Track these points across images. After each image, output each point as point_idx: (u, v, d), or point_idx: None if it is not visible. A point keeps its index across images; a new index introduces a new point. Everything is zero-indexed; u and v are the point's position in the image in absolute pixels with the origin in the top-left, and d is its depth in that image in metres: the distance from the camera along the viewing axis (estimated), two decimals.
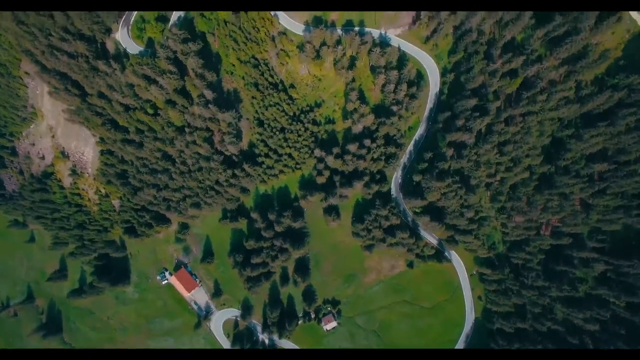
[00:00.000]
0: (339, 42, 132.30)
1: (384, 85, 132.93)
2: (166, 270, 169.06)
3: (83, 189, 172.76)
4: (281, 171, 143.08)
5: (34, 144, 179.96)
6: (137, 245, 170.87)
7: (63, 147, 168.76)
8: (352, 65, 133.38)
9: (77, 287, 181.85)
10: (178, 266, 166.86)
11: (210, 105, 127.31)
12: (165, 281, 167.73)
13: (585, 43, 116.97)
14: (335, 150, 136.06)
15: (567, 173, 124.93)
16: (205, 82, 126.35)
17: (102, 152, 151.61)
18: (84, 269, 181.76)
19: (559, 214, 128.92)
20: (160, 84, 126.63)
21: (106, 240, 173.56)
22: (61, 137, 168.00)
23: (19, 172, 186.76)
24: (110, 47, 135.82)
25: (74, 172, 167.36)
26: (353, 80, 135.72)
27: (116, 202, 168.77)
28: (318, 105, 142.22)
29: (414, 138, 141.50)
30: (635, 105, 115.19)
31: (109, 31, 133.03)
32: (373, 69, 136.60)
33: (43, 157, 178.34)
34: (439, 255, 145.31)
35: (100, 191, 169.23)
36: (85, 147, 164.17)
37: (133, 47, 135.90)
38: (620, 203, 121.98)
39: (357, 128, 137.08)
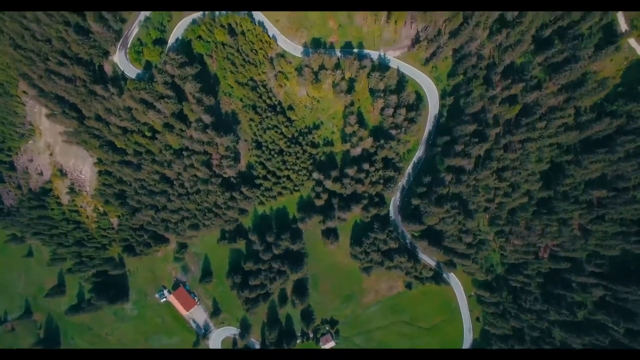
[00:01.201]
0: (337, 65, 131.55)
1: (382, 109, 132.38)
2: (165, 288, 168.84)
3: (81, 207, 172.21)
4: (279, 193, 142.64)
5: (32, 160, 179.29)
6: (136, 262, 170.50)
7: (61, 165, 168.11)
8: (350, 89, 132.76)
9: (75, 303, 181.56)
10: (177, 285, 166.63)
11: (208, 130, 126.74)
12: (164, 299, 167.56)
13: (584, 71, 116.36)
14: (334, 173, 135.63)
15: (566, 199, 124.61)
16: (203, 107, 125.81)
17: (100, 173, 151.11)
18: (82, 284, 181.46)
19: (557, 239, 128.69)
20: (157, 108, 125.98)
21: (105, 257, 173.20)
22: (59, 155, 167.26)
23: (17, 186, 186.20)
24: (108, 69, 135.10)
25: (72, 190, 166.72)
26: (352, 104, 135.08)
27: (114, 220, 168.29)
28: (316, 127, 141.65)
29: (413, 160, 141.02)
30: (634, 132, 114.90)
31: (106, 54, 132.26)
32: (372, 91, 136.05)
33: (41, 173, 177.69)
34: (437, 277, 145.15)
35: (98, 209, 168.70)
36: (83, 166, 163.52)
37: (131, 70, 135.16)
38: (619, 229, 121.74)
39: (356, 151, 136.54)
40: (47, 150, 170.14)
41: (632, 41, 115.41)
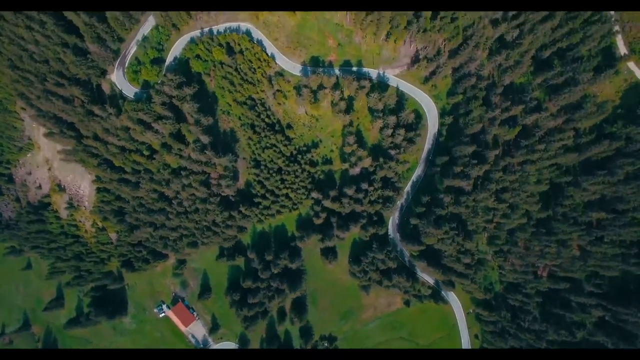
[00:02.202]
0: (336, 85, 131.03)
1: (381, 129, 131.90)
2: (164, 303, 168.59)
3: (80, 221, 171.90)
4: (278, 211, 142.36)
5: (30, 173, 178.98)
6: (135, 277, 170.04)
7: (59, 180, 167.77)
8: (349, 108, 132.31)
9: (74, 316, 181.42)
10: (175, 300, 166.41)
11: (206, 151, 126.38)
12: (163, 314, 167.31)
13: (584, 93, 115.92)
14: (332, 192, 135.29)
15: (565, 220, 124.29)
16: (201, 128, 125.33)
17: (98, 190, 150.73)
18: (81, 297, 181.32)
19: (556, 260, 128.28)
20: (155, 129, 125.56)
21: (103, 271, 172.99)
22: (57, 170, 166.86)
23: (16, 199, 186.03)
24: (105, 88, 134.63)
25: (70, 205, 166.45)
26: (351, 123, 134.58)
27: (113, 235, 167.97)
28: (315, 145, 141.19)
29: (412, 179, 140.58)
30: (633, 155, 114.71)
31: (104, 73, 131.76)
32: (371, 110, 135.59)
33: (40, 187, 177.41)
34: (435, 295, 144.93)
35: (97, 224, 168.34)
36: (81, 182, 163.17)
37: (128, 89, 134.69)
38: (619, 251, 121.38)
39: (355, 171, 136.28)
40: (46, 165, 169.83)
41: (631, 64, 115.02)
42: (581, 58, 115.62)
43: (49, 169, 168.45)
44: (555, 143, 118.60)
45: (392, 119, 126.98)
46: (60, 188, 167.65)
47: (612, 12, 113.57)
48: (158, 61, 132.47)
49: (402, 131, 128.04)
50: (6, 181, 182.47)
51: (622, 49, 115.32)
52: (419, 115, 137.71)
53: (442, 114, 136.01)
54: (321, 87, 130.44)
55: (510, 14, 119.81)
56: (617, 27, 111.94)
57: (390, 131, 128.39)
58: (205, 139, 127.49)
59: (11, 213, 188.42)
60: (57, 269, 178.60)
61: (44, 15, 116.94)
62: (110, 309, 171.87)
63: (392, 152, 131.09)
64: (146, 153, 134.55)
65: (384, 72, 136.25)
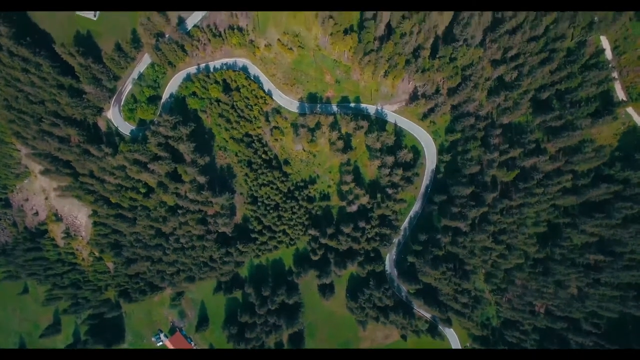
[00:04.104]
0: (334, 124, 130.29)
1: (379, 167, 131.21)
2: (161, 331, 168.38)
3: (77, 249, 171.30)
4: (275, 247, 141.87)
5: (27, 199, 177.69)
6: (132, 305, 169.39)
7: (56, 210, 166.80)
8: (347, 147, 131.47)
9: (71, 342, 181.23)
10: (173, 330, 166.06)
11: (203, 191, 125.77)
12: (160, 343, 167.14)
13: (582, 138, 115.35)
14: (330, 230, 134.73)
15: (563, 262, 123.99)
16: (197, 168, 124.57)
17: (95, 224, 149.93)
18: (78, 324, 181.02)
19: (553, 300, 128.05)
20: (152, 169, 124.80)
21: (100, 299, 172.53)
22: (54, 200, 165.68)
23: (12, 224, 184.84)
24: (102, 125, 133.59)
25: (67, 235, 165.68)
26: (348, 162, 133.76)
27: (110, 265, 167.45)
28: (312, 181, 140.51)
29: (409, 215, 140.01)
30: (631, 199, 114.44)
31: (100, 111, 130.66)
32: (369, 147, 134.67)
33: (37, 213, 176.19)
34: (432, 330, 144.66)
35: (94, 253, 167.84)
36: (78, 212, 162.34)
37: (125, 126, 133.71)
38: (617, 293, 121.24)
39: (352, 208, 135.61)
40: (43, 194, 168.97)
41: (629, 108, 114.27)
42: (579, 102, 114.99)
43: (46, 199, 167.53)
44: (554, 186, 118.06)
45: (389, 159, 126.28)
46: (57, 217, 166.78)
47: (610, 58, 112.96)
48: (154, 99, 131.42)
49: (399, 171, 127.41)
50: (3, 206, 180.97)
51: (620, 94, 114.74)
52: (417, 151, 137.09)
53: (441, 150, 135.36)
54: (318, 125, 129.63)
55: (509, 55, 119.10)
56: (614, 74, 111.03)
57: (387, 170, 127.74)
58: (201, 179, 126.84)
59: (8, 238, 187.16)
60: (54, 295, 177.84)
61: (39, 58, 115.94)
62: (107, 337, 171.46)
63: (390, 190, 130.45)
64: (143, 191, 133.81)
65: (382, 108, 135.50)
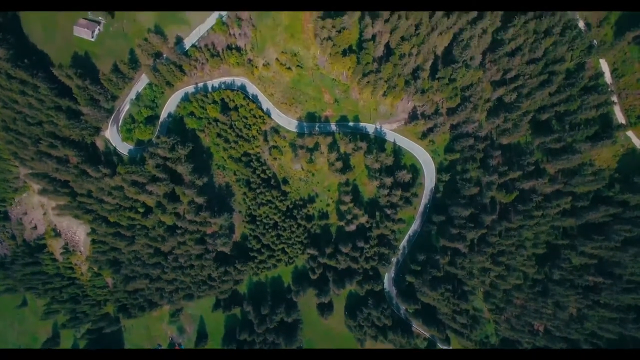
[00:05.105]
0: (332, 145, 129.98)
1: (378, 188, 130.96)
2: (160, 346, 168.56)
3: (76, 264, 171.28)
4: (274, 265, 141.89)
5: (26, 213, 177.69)
6: (131, 320, 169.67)
7: (55, 225, 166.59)
8: (345, 168, 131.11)
9: None
10: (172, 344, 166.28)
11: (201, 212, 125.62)
12: None
13: (581, 161, 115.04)
14: (328, 250, 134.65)
15: (562, 283, 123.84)
16: (196, 190, 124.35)
17: (93, 241, 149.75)
18: (77, 337, 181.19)
19: (552, 321, 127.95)
20: (150, 190, 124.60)
21: (99, 314, 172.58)
22: (53, 215, 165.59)
23: (11, 236, 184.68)
24: (100, 145, 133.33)
25: (66, 250, 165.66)
26: (347, 183, 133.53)
27: (109, 280, 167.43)
28: (311, 199, 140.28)
29: (408, 233, 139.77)
30: (630, 222, 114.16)
31: (98, 130, 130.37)
32: (368, 166, 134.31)
33: (35, 227, 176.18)
34: (431, 347, 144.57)
35: (92, 268, 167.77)
36: (77, 228, 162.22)
37: (123, 146, 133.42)
38: (616, 315, 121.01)
39: (351, 228, 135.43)
40: (41, 209, 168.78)
41: (629, 132, 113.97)
42: (579, 124, 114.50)
43: (44, 214, 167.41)
44: (553, 209, 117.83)
45: (388, 180, 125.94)
46: (55, 233, 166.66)
47: (609, 81, 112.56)
48: (152, 118, 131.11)
49: (398, 192, 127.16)
50: (1, 219, 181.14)
51: (619, 116, 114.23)
52: (415, 170, 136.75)
53: (440, 169, 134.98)
54: (317, 146, 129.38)
55: (509, 76, 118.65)
56: (614, 98, 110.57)
57: (386, 191, 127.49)
58: (200, 200, 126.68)
59: (6, 250, 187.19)
60: (52, 309, 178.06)
61: (37, 80, 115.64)
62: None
63: (388, 211, 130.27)
64: (141, 210, 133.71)
65: (381, 127, 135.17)
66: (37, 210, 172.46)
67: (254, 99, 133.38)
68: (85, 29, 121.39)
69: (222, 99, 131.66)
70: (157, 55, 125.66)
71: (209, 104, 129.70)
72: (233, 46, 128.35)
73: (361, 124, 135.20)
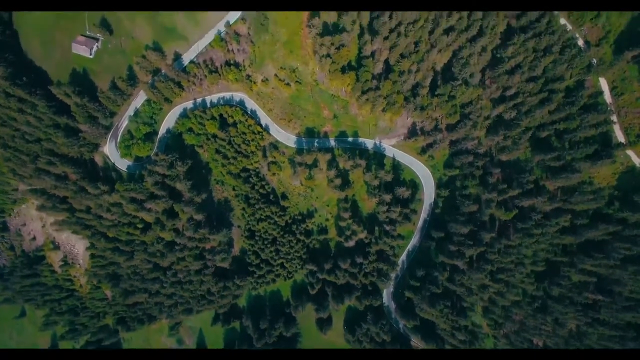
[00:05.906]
0: (331, 162, 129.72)
1: (377, 204, 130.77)
2: None
3: (75, 276, 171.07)
4: (273, 280, 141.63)
5: (25, 224, 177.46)
6: (131, 332, 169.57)
7: (54, 237, 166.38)
8: (344, 185, 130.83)
9: None
10: None
11: (200, 229, 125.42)
12: None
13: (581, 179, 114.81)
14: (327, 265, 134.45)
15: (561, 300, 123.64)
16: (194, 207, 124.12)
17: (92, 256, 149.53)
18: (75, 348, 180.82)
19: (551, 337, 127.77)
20: (148, 207, 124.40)
21: (98, 326, 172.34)
22: (51, 227, 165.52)
23: (10, 247, 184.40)
24: (98, 160, 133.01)
25: (65, 263, 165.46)
26: (346, 200, 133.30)
27: (108, 292, 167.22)
28: (310, 214, 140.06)
29: (407, 248, 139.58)
30: (629, 240, 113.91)
31: (96, 147, 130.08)
32: (367, 182, 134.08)
33: (34, 238, 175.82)
34: None
35: (92, 281, 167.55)
36: (76, 241, 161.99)
37: (121, 162, 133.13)
38: (615, 333, 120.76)
39: (350, 243, 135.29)
40: (40, 221, 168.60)
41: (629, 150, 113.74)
42: (578, 143, 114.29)
43: (43, 226, 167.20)
44: (552, 227, 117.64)
45: (387, 197, 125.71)
46: (54, 246, 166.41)
47: (609, 101, 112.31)
48: (151, 134, 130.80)
49: (397, 208, 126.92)
50: (0, 229, 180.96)
51: (619, 134, 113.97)
52: (415, 185, 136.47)
53: (439, 185, 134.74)
54: (316, 163, 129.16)
55: (508, 94, 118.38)
56: (613, 117, 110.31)
57: (385, 207, 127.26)
58: (198, 217, 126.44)
59: (5, 261, 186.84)
60: (51, 320, 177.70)
61: (35, 98, 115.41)
62: None
63: (387, 227, 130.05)
64: (140, 226, 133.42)
65: (380, 142, 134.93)
66: (36, 221, 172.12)
67: (253, 115, 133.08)
68: (84, 46, 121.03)
69: (221, 115, 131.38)
70: (156, 71, 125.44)
71: (208, 119, 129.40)
72: (231, 62, 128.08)
73: (360, 139, 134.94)
